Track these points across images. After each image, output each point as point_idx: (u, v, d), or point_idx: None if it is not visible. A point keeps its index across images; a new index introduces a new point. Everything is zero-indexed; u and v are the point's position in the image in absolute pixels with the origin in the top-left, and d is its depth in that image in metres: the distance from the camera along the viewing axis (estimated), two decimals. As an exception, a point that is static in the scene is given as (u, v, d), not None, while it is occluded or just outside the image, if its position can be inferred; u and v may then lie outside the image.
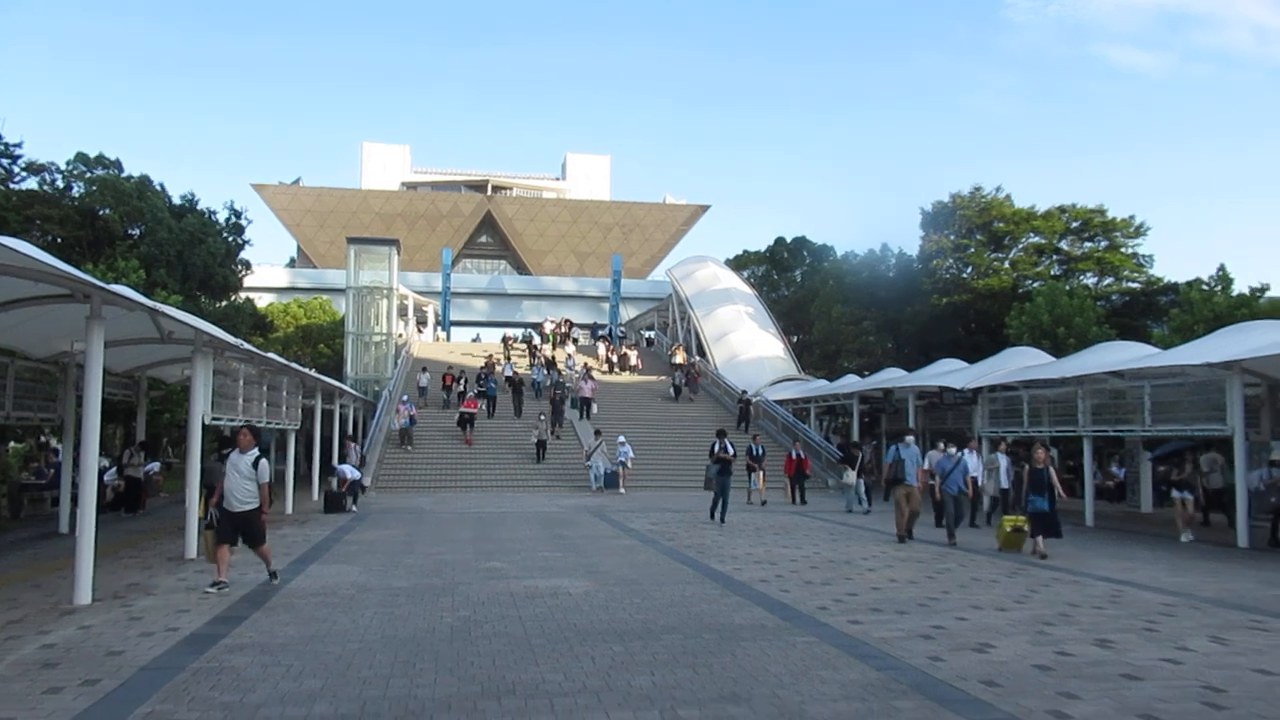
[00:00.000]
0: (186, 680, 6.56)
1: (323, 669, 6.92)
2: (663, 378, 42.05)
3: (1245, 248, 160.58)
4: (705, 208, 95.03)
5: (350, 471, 21.77)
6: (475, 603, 9.77)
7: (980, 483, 19.12)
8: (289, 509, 20.85)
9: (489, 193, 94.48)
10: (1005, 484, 19.08)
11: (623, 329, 59.28)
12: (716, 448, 20.02)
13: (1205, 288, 33.79)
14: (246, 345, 15.76)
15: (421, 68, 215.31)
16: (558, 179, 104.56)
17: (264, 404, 16.99)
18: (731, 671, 6.95)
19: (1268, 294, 30.93)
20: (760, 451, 25.40)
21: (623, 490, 26.96)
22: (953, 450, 16.93)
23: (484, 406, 34.55)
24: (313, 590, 10.49)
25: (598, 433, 29.17)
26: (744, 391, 37.00)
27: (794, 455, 25.72)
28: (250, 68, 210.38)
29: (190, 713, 5.79)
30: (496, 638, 8.07)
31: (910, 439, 16.95)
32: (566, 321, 56.65)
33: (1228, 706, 6.10)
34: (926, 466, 17.22)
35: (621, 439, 28.41)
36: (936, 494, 16.85)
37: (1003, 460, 19.47)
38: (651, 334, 56.24)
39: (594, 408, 35.59)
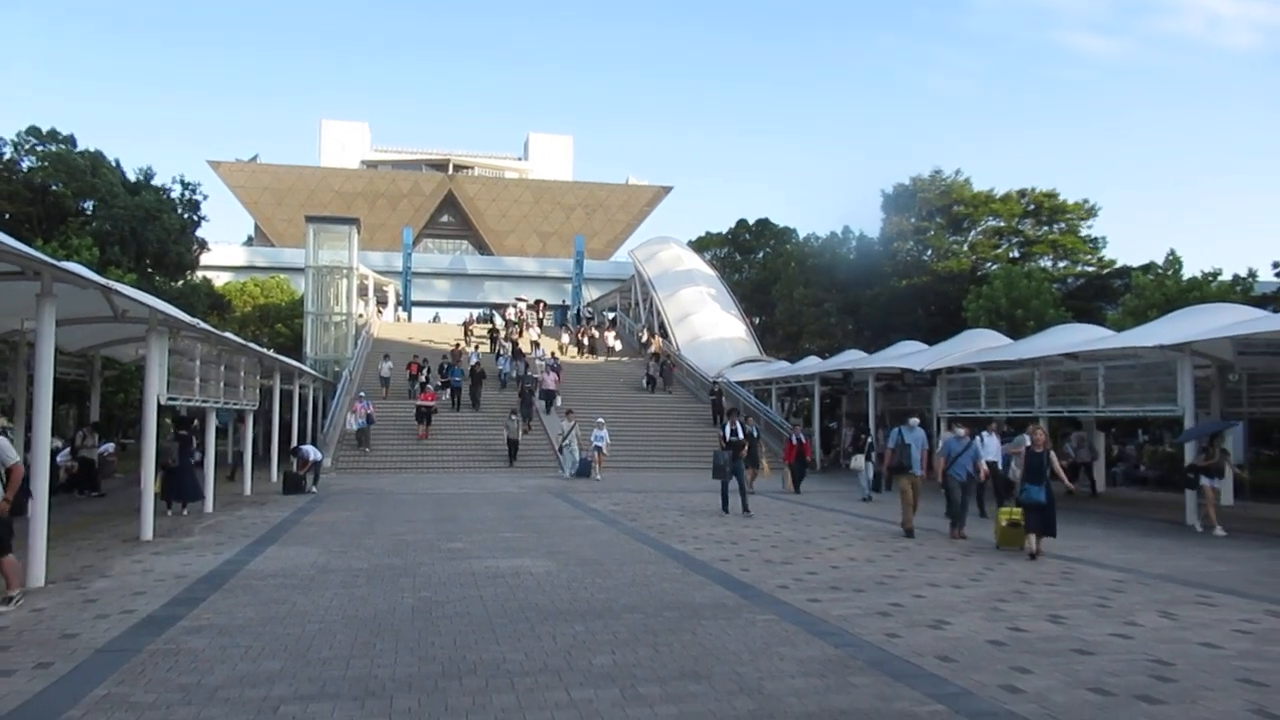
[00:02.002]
0: (143, 662, 6.50)
1: (282, 650, 6.88)
2: (625, 359, 42.08)
3: (1197, 233, 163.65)
4: (668, 189, 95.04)
5: (312, 453, 21.58)
6: (436, 583, 9.76)
7: (1001, 468, 17.21)
8: (247, 490, 20.64)
9: (450, 172, 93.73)
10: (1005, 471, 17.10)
11: (590, 309, 57.97)
12: (727, 431, 18.09)
13: (1157, 272, 34.35)
14: (203, 324, 15.54)
15: (381, 44, 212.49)
16: (520, 159, 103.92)
17: (221, 384, 16.78)
18: (692, 650, 7.01)
19: (1218, 278, 31.49)
20: (756, 434, 22.70)
21: (599, 477, 25.16)
22: (961, 432, 14.89)
23: (448, 396, 33.48)
24: (271, 572, 10.41)
25: (569, 413, 27.62)
26: (715, 382, 35.93)
27: (794, 440, 23.64)
28: (206, 42, 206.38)
29: (147, 695, 5.74)
30: (458, 618, 8.07)
31: (915, 421, 15.34)
32: (540, 303, 55.29)
33: (1174, 679, 6.27)
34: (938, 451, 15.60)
35: (600, 420, 26.74)
36: (940, 478, 14.75)
37: (992, 441, 17.36)
38: (614, 315, 55.98)
39: (558, 400, 33.81)
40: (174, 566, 10.65)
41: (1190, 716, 5.54)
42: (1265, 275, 32.74)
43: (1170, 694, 5.94)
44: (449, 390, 33.87)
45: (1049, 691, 5.98)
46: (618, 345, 43.35)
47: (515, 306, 52.20)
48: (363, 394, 30.94)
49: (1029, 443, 12.46)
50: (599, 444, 25.72)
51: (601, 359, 43.30)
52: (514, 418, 28.75)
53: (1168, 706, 5.70)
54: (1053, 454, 12.46)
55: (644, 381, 38.33)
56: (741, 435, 18.10)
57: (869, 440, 22.24)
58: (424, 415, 30.38)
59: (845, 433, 33.28)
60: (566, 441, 26.17)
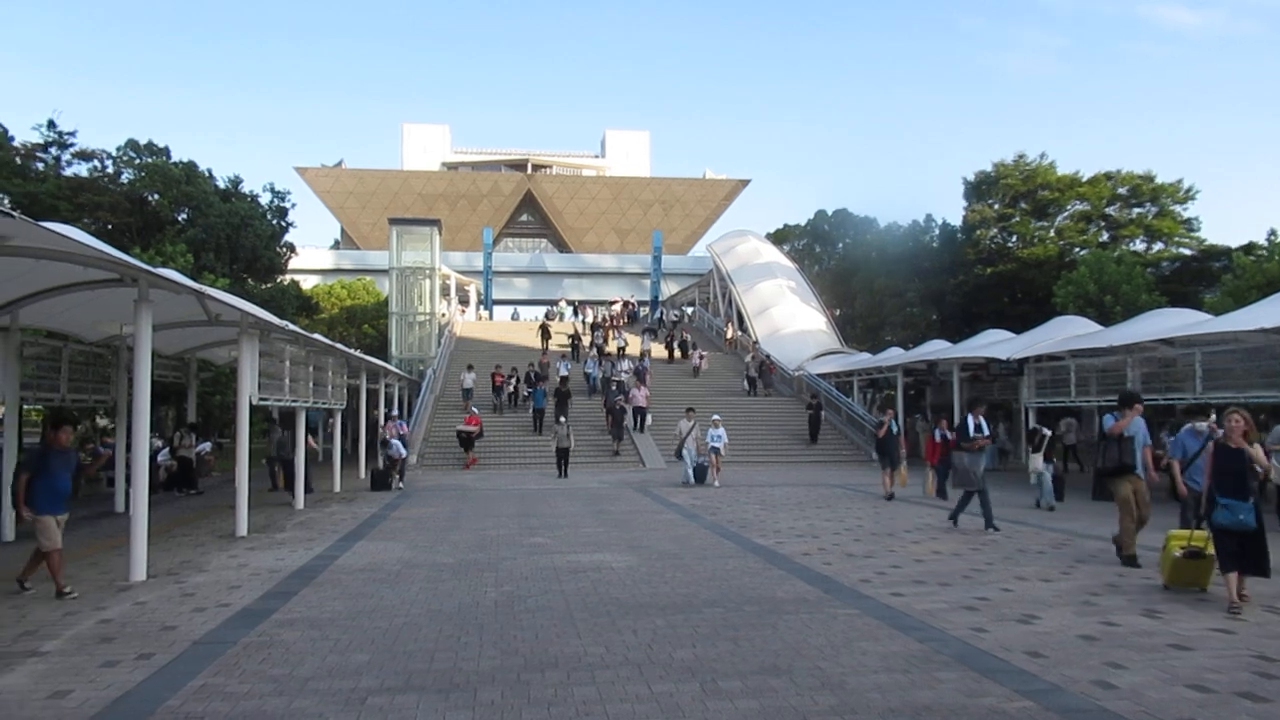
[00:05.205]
0: (238, 654, 6.72)
1: (369, 643, 7.04)
2: (711, 357, 41.44)
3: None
4: (745, 182, 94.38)
5: (399, 448, 22.02)
6: (519, 577, 9.87)
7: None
8: (336, 487, 21.20)
9: (529, 171, 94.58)
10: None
11: (676, 312, 54.20)
12: (971, 426, 14.52)
13: (1259, 252, 32.94)
14: (292, 326, 15.98)
15: (461, 47, 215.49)
16: (597, 156, 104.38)
17: (310, 384, 17.24)
18: (773, 644, 6.96)
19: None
20: (898, 429, 20.39)
21: (716, 484, 21.93)
22: (1202, 425, 10.86)
23: (530, 417, 31.61)
24: (360, 566, 10.67)
25: (690, 410, 24.13)
26: (813, 397, 33.31)
27: (938, 436, 19.78)
28: (290, 50, 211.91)
29: (241, 685, 5.94)
30: (539, 611, 8.16)
31: (1136, 408, 10.83)
32: (628, 304, 53.29)
33: (1279, 676, 6.01)
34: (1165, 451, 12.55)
35: (715, 418, 23.50)
36: (1180, 488, 11.03)
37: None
38: (691, 309, 55.69)
39: (649, 418, 31.09)
40: (267, 561, 10.99)
41: (1296, 715, 5.30)
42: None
43: (1275, 691, 5.69)
44: (531, 410, 31.88)
45: (1144, 687, 5.78)
46: (705, 365, 39.72)
47: (600, 311, 50.81)
48: (395, 411, 27.77)
49: (1217, 435, 8.93)
50: (717, 444, 22.49)
51: (694, 362, 40.41)
52: (562, 421, 25.71)
53: (1272, 705, 5.46)
54: (1260, 450, 8.63)
55: (744, 383, 37.11)
56: (988, 432, 14.76)
57: (1048, 435, 18.37)
58: (467, 441, 27.87)
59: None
60: (686, 445, 22.86)
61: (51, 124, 32.38)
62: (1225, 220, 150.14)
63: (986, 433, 14.54)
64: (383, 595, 8.92)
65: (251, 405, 13.60)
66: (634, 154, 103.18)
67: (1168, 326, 20.00)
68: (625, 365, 35.89)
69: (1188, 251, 43.18)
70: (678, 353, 42.01)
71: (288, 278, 41.15)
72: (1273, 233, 33.46)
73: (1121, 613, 7.96)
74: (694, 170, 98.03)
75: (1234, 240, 40.06)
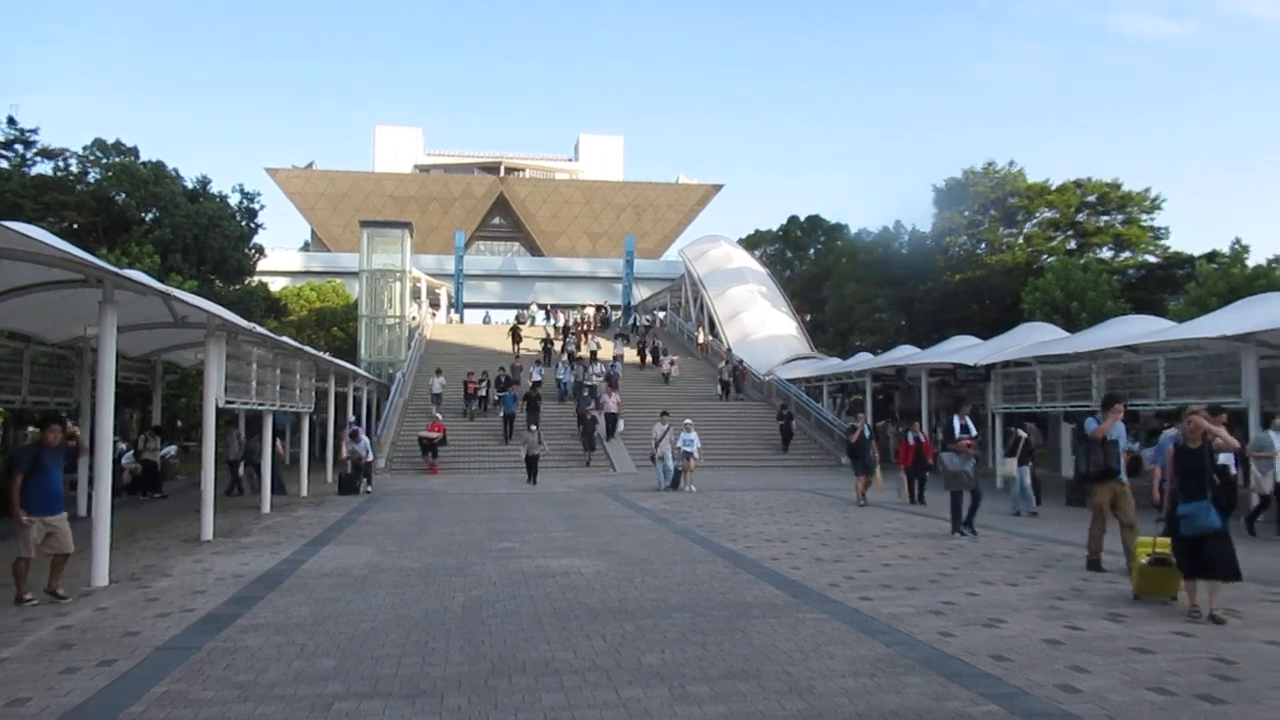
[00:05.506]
0: (202, 660, 6.64)
1: (336, 648, 6.98)
2: (682, 362, 41.34)
3: (1264, 219, 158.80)
4: (718, 187, 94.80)
5: (367, 445, 21.86)
6: (487, 582, 9.83)
7: (1235, 472, 13.31)
8: (304, 491, 21.01)
9: (502, 174, 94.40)
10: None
11: (649, 317, 53.30)
12: (957, 427, 14.24)
13: (1222, 260, 33.49)
14: (259, 329, 15.84)
15: (434, 50, 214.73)
16: (570, 160, 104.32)
17: (277, 387, 17.10)
18: (741, 649, 6.97)
19: (1286, 265, 30.69)
20: (870, 434, 20.27)
21: (691, 488, 21.55)
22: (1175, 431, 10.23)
23: (500, 423, 30.87)
24: (327, 571, 10.58)
25: (664, 414, 23.54)
26: (784, 403, 33.48)
27: (912, 439, 19.63)
28: (261, 50, 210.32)
29: (205, 691, 5.87)
30: (508, 617, 8.13)
31: (1118, 409, 10.54)
32: (601, 309, 52.86)
33: (1237, 679, 6.10)
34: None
35: (688, 422, 23.04)
36: (1155, 494, 9.82)
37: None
38: (664, 314, 55.71)
39: (621, 424, 30.73)
40: (232, 566, 10.87)
41: (1253, 717, 5.38)
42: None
43: (1232, 693, 5.78)
44: (502, 416, 31.15)
45: (1106, 691, 5.85)
46: (675, 372, 39.31)
47: (572, 315, 50.48)
48: (353, 418, 26.66)
49: (1181, 436, 8.58)
50: (689, 449, 22.09)
51: (664, 369, 39.91)
52: (533, 429, 25.37)
53: (1230, 706, 5.54)
54: (1226, 441, 8.75)
55: (717, 388, 37.00)
56: (974, 432, 14.54)
57: (1023, 438, 17.51)
58: (429, 447, 27.48)
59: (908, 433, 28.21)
60: (660, 450, 22.27)
61: (11, 120, 31.94)
62: (1194, 227, 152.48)
63: (973, 434, 14.36)
64: (349, 600, 8.85)
65: (218, 408, 13.47)
66: (608, 158, 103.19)
67: (1132, 333, 20.26)
68: (598, 370, 35.58)
69: (1153, 259, 43.82)
70: (650, 358, 41.79)
71: (256, 279, 40.79)
72: (1236, 241, 34.00)
73: (1086, 617, 8.05)
74: (667, 175, 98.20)
75: (1200, 248, 40.82)
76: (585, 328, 47.31)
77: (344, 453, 22.02)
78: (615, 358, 39.19)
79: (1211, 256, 36.61)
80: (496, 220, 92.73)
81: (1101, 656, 6.70)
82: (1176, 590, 8.55)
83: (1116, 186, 44.39)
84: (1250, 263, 31.97)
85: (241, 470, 21.05)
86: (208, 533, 13.28)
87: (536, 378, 33.94)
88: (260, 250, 40.36)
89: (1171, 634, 7.39)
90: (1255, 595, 8.96)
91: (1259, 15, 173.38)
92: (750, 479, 25.07)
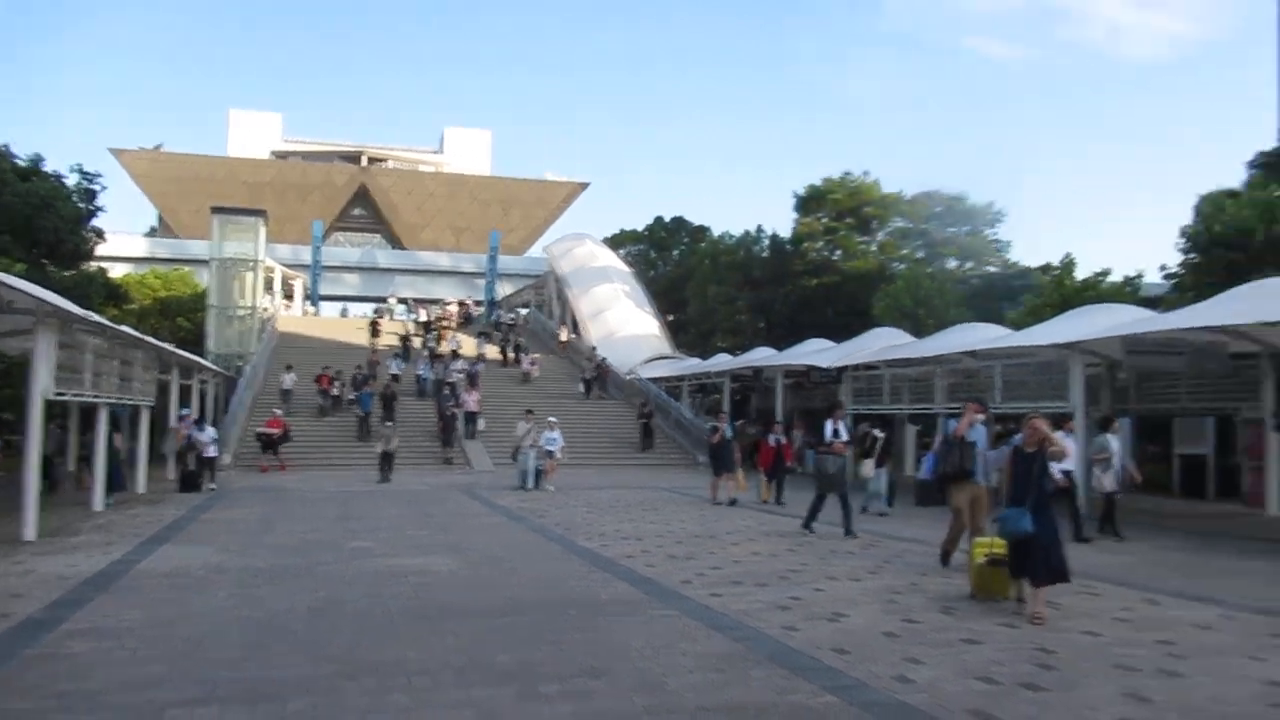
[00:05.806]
0: (19, 669, 6.23)
1: (169, 653, 6.67)
2: (543, 359, 41.37)
3: (1098, 236, 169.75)
4: (584, 185, 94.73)
5: (208, 440, 20.85)
6: (337, 582, 9.57)
7: (1077, 475, 14.14)
8: (141, 488, 19.93)
9: (364, 164, 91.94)
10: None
11: (513, 315, 52.85)
12: (829, 430, 14.47)
13: (1054, 273, 35.62)
14: (96, 317, 14.94)
15: (294, 34, 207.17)
16: (436, 152, 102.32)
17: (115, 379, 16.20)
18: (594, 646, 7.02)
19: (1107, 278, 32.88)
20: (732, 435, 20.57)
21: (550, 488, 21.10)
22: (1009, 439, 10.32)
23: (355, 422, 30.17)
24: (163, 571, 10.09)
25: (529, 412, 22.95)
26: (644, 403, 33.43)
27: (773, 441, 19.66)
28: (109, 25, 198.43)
29: (21, 703, 5.51)
30: (358, 617, 7.94)
31: (971, 406, 10.84)
32: (464, 304, 52.16)
33: (1057, 668, 6.51)
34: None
35: (551, 420, 23.00)
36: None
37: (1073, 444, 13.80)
38: (526, 311, 55.34)
39: (481, 422, 30.62)
40: (57, 567, 10.23)
41: (1070, 703, 5.75)
42: (1151, 277, 34.17)
43: (1053, 681, 6.17)
44: (356, 415, 30.37)
45: (939, 681, 6.15)
46: (536, 371, 38.96)
47: (434, 311, 49.05)
48: (185, 410, 24.20)
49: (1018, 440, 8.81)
50: (551, 448, 21.92)
51: (524, 367, 39.53)
52: (389, 425, 25.22)
53: (1050, 694, 5.91)
54: (1065, 447, 9.18)
55: (580, 386, 36.92)
56: (846, 437, 14.75)
57: (880, 438, 17.78)
58: (270, 444, 26.02)
59: (795, 434, 25.54)
60: (525, 449, 21.61)
61: None
62: (1038, 243, 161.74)
63: (845, 437, 14.53)
64: (187, 602, 8.47)
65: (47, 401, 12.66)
66: (474, 152, 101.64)
67: (972, 340, 21.30)
68: (459, 367, 35.04)
69: (994, 269, 46.28)
70: (512, 356, 41.39)
71: (95, 265, 38.49)
72: (1066, 255, 36.24)
73: (921, 610, 8.44)
74: (535, 172, 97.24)
75: (1037, 260, 43.26)
76: (447, 324, 46.56)
77: (181, 435, 20.89)
78: (478, 356, 38.74)
79: (1045, 269, 38.88)
80: (357, 211, 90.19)
81: (935, 648, 7.04)
82: (1009, 591, 8.84)
83: (962, 199, 46.74)
84: (1079, 275, 34.04)
85: (70, 467, 19.80)
86: (30, 532, 12.45)
87: (395, 371, 33.23)
88: (99, 234, 38.06)
89: (997, 625, 7.83)
90: (1074, 589, 9.54)
91: (1093, 42, 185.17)
92: (610, 477, 25.22)
